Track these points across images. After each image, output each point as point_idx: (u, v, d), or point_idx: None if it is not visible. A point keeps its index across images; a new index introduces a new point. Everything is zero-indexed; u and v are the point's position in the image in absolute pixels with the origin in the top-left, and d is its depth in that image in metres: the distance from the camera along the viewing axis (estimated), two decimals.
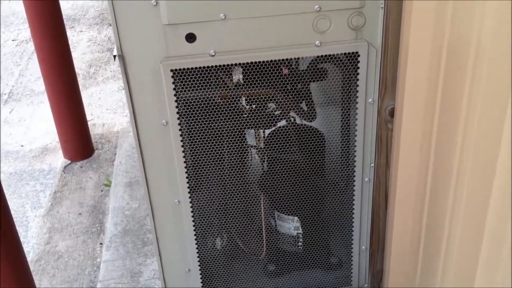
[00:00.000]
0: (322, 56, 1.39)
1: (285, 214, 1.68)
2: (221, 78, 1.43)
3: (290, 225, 1.69)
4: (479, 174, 1.08)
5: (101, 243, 2.45)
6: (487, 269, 1.10)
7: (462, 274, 1.21)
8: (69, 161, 3.08)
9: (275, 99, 1.48)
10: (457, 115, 1.14)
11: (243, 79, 1.45)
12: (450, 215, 1.23)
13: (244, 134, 1.60)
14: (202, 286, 1.69)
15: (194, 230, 1.57)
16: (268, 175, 1.66)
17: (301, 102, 1.53)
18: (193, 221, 1.56)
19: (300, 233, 1.69)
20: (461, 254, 1.21)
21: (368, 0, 1.32)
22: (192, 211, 1.54)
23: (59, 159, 3.14)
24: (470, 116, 1.09)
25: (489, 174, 1.03)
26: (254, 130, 1.62)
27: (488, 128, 1.03)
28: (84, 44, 4.70)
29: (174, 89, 1.36)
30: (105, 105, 3.74)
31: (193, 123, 1.45)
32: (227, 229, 1.71)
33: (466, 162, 1.12)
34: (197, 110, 1.43)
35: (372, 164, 1.54)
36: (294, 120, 1.59)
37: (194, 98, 1.41)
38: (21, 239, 1.62)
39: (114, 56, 1.33)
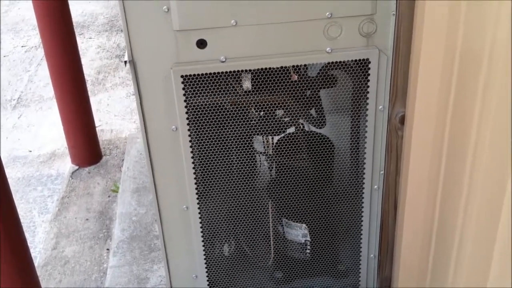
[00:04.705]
0: (332, 62, 1.39)
1: (293, 221, 1.67)
2: (231, 84, 1.43)
3: (298, 232, 1.68)
4: (492, 182, 1.07)
5: (108, 249, 2.45)
6: (498, 281, 1.09)
7: (472, 284, 1.20)
8: (77, 167, 3.09)
9: (284, 106, 1.48)
10: (469, 123, 1.13)
11: (253, 85, 1.45)
12: (461, 223, 1.22)
13: (253, 140, 1.59)
14: None
15: (202, 236, 1.57)
16: (277, 182, 1.66)
17: (310, 109, 1.53)
18: (201, 227, 1.55)
19: (308, 240, 1.69)
20: (472, 263, 1.20)
21: (380, 7, 1.32)
22: (200, 217, 1.54)
23: (67, 165, 3.14)
24: (483, 124, 1.08)
25: (502, 182, 1.02)
26: (263, 136, 1.62)
27: (502, 136, 1.02)
28: (93, 51, 4.73)
29: (184, 94, 1.36)
30: (113, 111, 3.75)
31: (202, 129, 1.45)
32: (235, 235, 1.70)
33: (478, 170, 1.11)
34: (207, 116, 1.43)
35: (382, 172, 1.53)
36: (303, 127, 1.59)
37: (204, 104, 1.41)
38: (28, 244, 1.62)
39: (125, 62, 1.33)
